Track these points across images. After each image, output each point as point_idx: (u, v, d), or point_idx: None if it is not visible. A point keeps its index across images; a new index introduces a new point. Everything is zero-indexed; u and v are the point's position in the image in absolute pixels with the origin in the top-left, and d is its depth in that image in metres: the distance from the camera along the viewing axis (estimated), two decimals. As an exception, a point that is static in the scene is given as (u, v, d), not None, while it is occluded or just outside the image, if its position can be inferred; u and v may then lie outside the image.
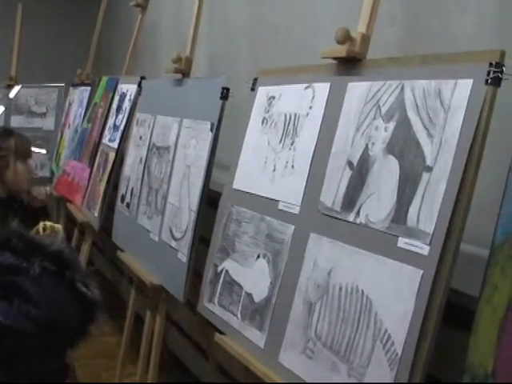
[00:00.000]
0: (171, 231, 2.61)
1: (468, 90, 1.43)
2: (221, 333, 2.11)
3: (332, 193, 1.73)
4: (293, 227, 1.86)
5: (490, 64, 1.39)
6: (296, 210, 1.87)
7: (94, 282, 1.35)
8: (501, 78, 1.38)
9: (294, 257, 1.83)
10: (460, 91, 1.45)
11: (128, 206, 3.21)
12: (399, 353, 1.41)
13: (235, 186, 2.23)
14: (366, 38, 1.83)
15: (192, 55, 2.95)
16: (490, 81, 1.39)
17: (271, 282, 1.89)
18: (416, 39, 2.08)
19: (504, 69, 1.38)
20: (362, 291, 1.54)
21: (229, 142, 2.37)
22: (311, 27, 2.53)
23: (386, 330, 1.46)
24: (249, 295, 1.99)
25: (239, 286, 2.05)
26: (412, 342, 1.39)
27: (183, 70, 2.93)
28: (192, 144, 2.57)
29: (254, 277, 1.99)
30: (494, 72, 1.39)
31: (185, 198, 2.54)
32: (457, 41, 1.89)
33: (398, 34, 2.13)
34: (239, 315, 2.02)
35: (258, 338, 1.91)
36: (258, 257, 1.98)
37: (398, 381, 1.40)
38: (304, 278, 1.75)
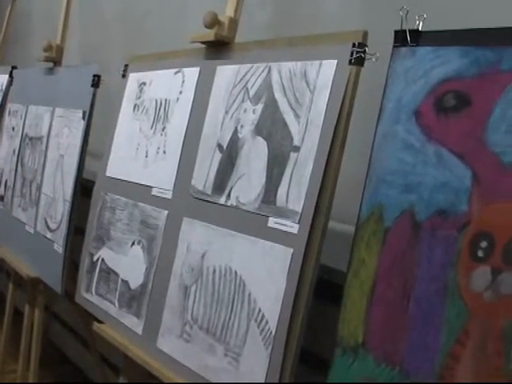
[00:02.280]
0: (46, 222, 2.51)
1: (332, 70, 1.42)
2: (100, 322, 2.05)
3: (203, 176, 1.69)
4: (166, 212, 1.82)
5: (354, 44, 1.39)
6: (169, 195, 1.82)
7: None
8: (364, 58, 1.38)
9: (168, 242, 1.78)
10: (325, 72, 1.44)
11: (2, 199, 3.07)
12: (273, 331, 1.40)
13: (108, 173, 2.16)
14: (233, 22, 1.81)
15: (63, 43, 2.85)
16: (353, 61, 1.39)
17: (146, 268, 1.84)
18: (286, 22, 2.08)
19: (367, 49, 1.38)
20: (236, 272, 1.52)
21: (102, 130, 2.30)
22: (182, 12, 2.49)
23: (259, 310, 1.44)
24: (125, 282, 1.93)
25: (115, 273, 1.99)
26: (285, 320, 1.38)
27: (54, 58, 2.82)
28: (65, 133, 2.48)
29: (129, 264, 1.93)
30: (357, 52, 1.38)
31: (59, 188, 2.44)
32: (325, 23, 1.89)
33: (268, 17, 2.13)
34: (116, 303, 1.96)
35: (135, 324, 1.85)
36: (133, 243, 1.92)
37: (273, 358, 1.39)
38: (178, 262, 1.71)
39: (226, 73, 1.73)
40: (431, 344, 1.14)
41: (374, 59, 1.38)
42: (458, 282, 1.12)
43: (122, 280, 1.95)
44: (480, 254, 1.10)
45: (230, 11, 1.82)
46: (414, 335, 1.17)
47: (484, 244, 1.10)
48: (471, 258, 1.11)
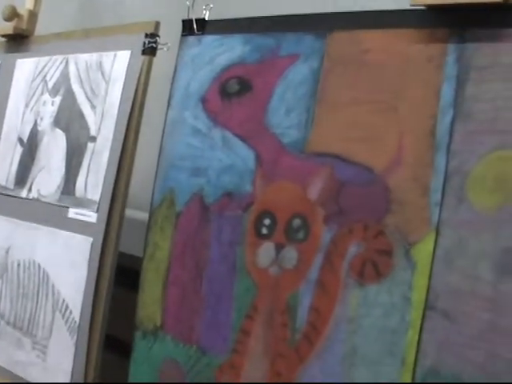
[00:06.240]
0: None
1: (126, 60, 1.37)
2: None
3: (5, 171, 1.58)
4: (-30, 209, 1.68)
5: (146, 35, 1.34)
6: (-28, 192, 1.69)
7: None
8: (156, 48, 1.34)
9: (-27, 239, 1.65)
10: (119, 62, 1.38)
11: None
12: (77, 320, 1.33)
13: None
14: (33, 15, 1.70)
15: None
16: (145, 51, 1.34)
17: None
18: (92, 14, 2.01)
19: (158, 39, 1.34)
20: (39, 265, 1.43)
21: None
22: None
23: (63, 300, 1.36)
24: None
25: None
26: (87, 309, 1.31)
27: None
28: None
29: None
30: (150, 42, 1.34)
31: None
32: (127, 14, 1.85)
33: (75, 9, 2.05)
34: None
35: None
36: None
37: (79, 346, 1.32)
38: (-16, 259, 1.59)
39: (25, 66, 1.62)
40: (224, 321, 1.12)
41: (165, 49, 1.34)
42: (245, 259, 1.10)
43: None
44: (264, 231, 1.08)
45: (29, 4, 1.72)
46: (208, 314, 1.14)
47: (267, 222, 1.08)
48: (256, 235, 1.09)
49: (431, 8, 0.96)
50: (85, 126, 1.40)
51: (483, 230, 0.87)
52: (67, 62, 1.50)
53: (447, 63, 0.94)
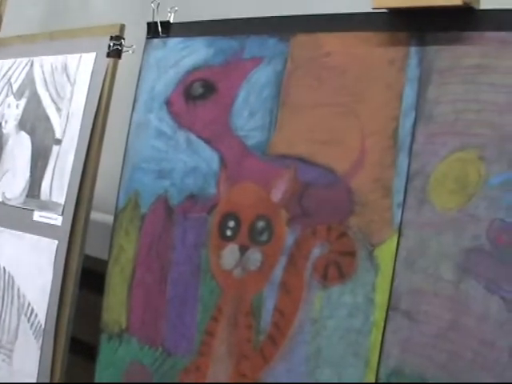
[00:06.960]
0: None
1: (91, 63, 1.34)
2: None
3: (-30, 174, 1.54)
4: None
5: (111, 37, 1.32)
6: None
7: None
8: (121, 50, 1.31)
9: None
10: (84, 65, 1.35)
11: None
12: (43, 323, 1.30)
13: None
14: (-2, 18, 1.67)
15: None
16: (110, 53, 1.31)
17: None
18: (57, 16, 1.98)
19: (123, 41, 1.31)
20: (4, 268, 1.40)
21: None
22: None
23: (29, 304, 1.33)
24: None
25: None
26: (53, 312, 1.28)
27: None
28: None
29: None
30: (115, 45, 1.31)
31: None
32: (93, 17, 1.83)
33: (40, 12, 2.01)
34: None
35: None
36: None
37: (44, 350, 1.29)
38: None
39: (-10, 68, 1.58)
40: (188, 323, 1.10)
41: (131, 51, 1.32)
42: (209, 261, 1.09)
43: None
44: (228, 233, 1.07)
45: (-6, 7, 1.68)
46: (173, 316, 1.13)
47: (231, 224, 1.07)
48: (220, 237, 1.08)
49: (393, 11, 0.95)
50: (50, 128, 1.37)
51: (445, 231, 0.86)
52: (32, 65, 1.46)
53: (409, 66, 0.93)
